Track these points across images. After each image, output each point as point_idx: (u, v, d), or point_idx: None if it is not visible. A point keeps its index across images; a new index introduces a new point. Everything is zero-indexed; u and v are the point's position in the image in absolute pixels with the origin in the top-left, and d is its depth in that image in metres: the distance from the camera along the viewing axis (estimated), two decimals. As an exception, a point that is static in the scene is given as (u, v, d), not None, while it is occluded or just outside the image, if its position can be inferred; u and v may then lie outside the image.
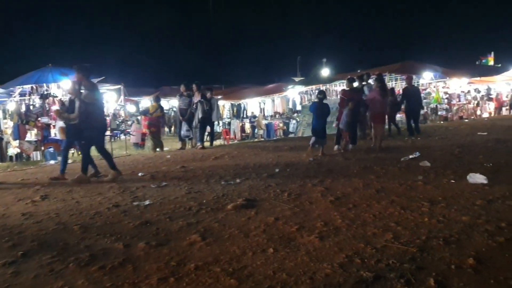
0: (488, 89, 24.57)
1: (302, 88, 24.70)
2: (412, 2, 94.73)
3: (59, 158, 9.17)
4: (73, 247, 3.75)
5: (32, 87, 15.85)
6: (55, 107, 12.71)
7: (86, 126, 7.01)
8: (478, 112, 22.50)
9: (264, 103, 26.72)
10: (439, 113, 20.90)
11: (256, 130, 22.12)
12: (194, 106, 11.38)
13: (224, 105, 25.90)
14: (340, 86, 20.60)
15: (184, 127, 11.74)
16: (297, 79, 32.28)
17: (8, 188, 6.92)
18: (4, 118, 16.49)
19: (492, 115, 22.37)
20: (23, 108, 15.08)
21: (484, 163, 7.04)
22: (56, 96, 15.05)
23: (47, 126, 14.19)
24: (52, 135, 14.07)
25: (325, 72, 36.77)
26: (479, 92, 24.02)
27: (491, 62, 55.23)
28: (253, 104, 26.55)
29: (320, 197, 5.25)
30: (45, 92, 15.27)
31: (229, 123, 22.91)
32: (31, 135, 14.38)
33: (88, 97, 6.88)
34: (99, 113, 7.18)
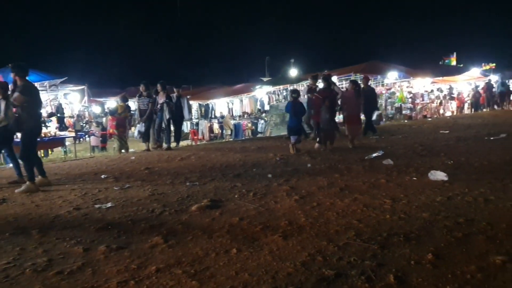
0: (451, 89, 25.28)
1: (270, 88, 24.77)
2: (377, 4, 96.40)
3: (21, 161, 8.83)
4: (31, 252, 3.63)
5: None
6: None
7: (17, 129, 6.75)
8: (441, 111, 23.10)
9: (232, 103, 26.69)
10: (404, 112, 21.34)
11: (224, 130, 22.05)
12: (159, 107, 11.07)
13: (192, 105, 25.72)
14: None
15: (138, 128, 11.39)
16: (265, 79, 32.37)
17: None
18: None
19: (454, 113, 23.00)
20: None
21: (445, 161, 7.22)
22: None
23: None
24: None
25: (293, 72, 37.04)
26: (441, 91, 24.68)
27: (454, 62, 56.88)
28: (221, 104, 26.47)
29: (285, 196, 5.26)
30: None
31: (197, 124, 22.76)
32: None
33: (17, 99, 6.44)
34: (31, 116, 6.62)
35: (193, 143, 17.81)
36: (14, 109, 6.78)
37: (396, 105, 21.56)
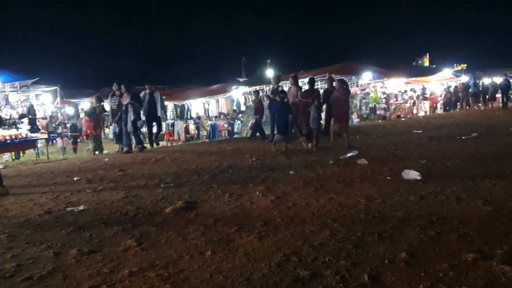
0: (424, 89, 25.72)
1: (246, 89, 24.74)
2: (352, 5, 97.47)
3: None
4: (-2, 258, 3.52)
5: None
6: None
7: None
8: (415, 111, 23.45)
9: (209, 104, 26.56)
10: (378, 112, 21.59)
11: (200, 131, 21.91)
12: (124, 108, 10.72)
13: (167, 106, 25.49)
14: (285, 86, 20.80)
15: (112, 129, 11.12)
16: (241, 80, 32.33)
17: None
18: None
19: (428, 113, 23.40)
20: None
21: (418, 160, 7.33)
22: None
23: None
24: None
25: (269, 72, 37.08)
26: (415, 91, 25.08)
27: (427, 63, 57.96)
28: (197, 105, 26.30)
29: (261, 197, 5.25)
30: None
31: (173, 124, 22.55)
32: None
33: None
34: None
35: (169, 144, 17.65)
36: None
37: (371, 105, 21.80)
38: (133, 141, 11.22)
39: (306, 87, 13.67)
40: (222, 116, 24.78)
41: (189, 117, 25.12)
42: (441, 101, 24.98)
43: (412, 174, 5.91)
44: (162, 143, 13.19)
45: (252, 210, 4.66)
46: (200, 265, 3.15)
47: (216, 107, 25.76)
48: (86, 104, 25.73)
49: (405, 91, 24.74)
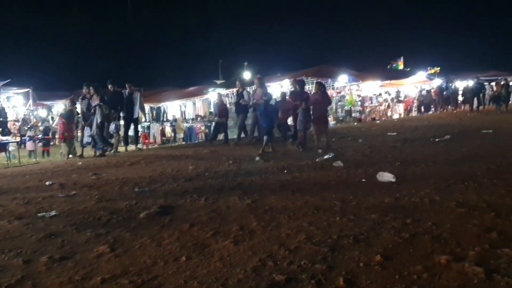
0: (398, 92, 26.12)
1: (224, 91, 24.66)
2: (327, 9, 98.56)
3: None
4: (-36, 267, 3.40)
5: None
6: None
7: None
8: (389, 114, 23.79)
9: (185, 106, 26.37)
10: (353, 114, 21.84)
11: (176, 133, 21.72)
12: (93, 110, 10.55)
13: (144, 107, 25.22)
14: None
15: (86, 132, 10.90)
16: (219, 82, 32.21)
17: None
18: None
19: (402, 116, 23.76)
20: None
21: (393, 162, 7.41)
22: None
23: None
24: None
25: (246, 75, 37.11)
26: (389, 94, 25.43)
27: (401, 66, 58.89)
28: (173, 107, 26.09)
29: (237, 200, 5.22)
30: None
31: (149, 127, 22.30)
32: None
33: None
34: None
35: (144, 147, 17.45)
36: None
37: (346, 108, 22.03)
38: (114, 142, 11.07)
39: (283, 89, 13.76)
40: (199, 119, 24.63)
41: (165, 119, 24.91)
42: (415, 104, 25.39)
43: (386, 177, 5.97)
44: (135, 146, 12.94)
45: (228, 214, 4.63)
46: (174, 271, 3.10)
47: (193, 110, 25.59)
48: (60, 106, 25.25)
49: (380, 94, 25.08)
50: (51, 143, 18.34)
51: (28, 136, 17.21)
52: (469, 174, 6.04)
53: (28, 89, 21.14)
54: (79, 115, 11.82)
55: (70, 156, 11.83)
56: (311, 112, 10.03)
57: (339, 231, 3.80)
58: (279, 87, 21.20)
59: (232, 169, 7.55)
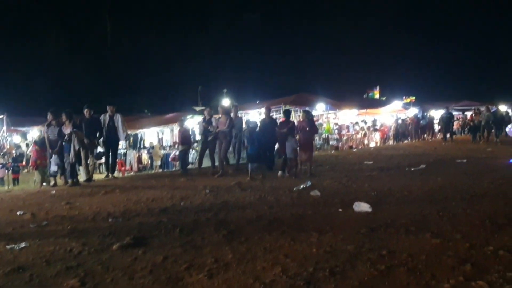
0: (374, 121, 26.51)
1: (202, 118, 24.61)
2: (306, 38, 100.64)
3: None
4: None
5: None
6: None
7: None
8: (366, 142, 24.06)
9: (163, 133, 26.21)
10: (331, 143, 22.00)
11: (153, 161, 21.48)
12: (67, 137, 10.04)
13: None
14: (244, 117, 20.88)
15: (54, 161, 10.28)
16: (198, 109, 32.22)
17: None
18: None
19: (378, 144, 24.06)
20: None
21: (369, 192, 7.46)
22: None
23: None
24: None
25: (226, 102, 37.27)
26: (366, 123, 25.78)
27: (377, 95, 60.17)
28: (151, 134, 25.91)
29: (213, 231, 5.14)
30: None
31: (125, 154, 22.01)
32: None
33: None
34: None
35: (120, 175, 17.19)
36: None
37: (324, 136, 22.21)
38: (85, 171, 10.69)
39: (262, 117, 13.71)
40: (176, 146, 24.45)
41: (142, 146, 24.67)
42: (391, 133, 25.78)
43: (363, 207, 5.99)
44: (111, 174, 12.69)
45: (203, 246, 4.55)
46: (146, 307, 3.01)
47: (171, 136, 25.43)
48: (35, 132, 24.81)
49: (357, 122, 25.42)
50: (25, 170, 17.91)
51: (1, 164, 16.83)
52: (444, 204, 6.11)
53: (2, 116, 20.72)
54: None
55: (44, 184, 11.56)
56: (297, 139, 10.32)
57: (315, 264, 3.77)
58: (258, 115, 21.34)
59: (208, 198, 7.47)
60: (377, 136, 24.98)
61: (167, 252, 4.36)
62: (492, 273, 3.39)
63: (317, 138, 21.43)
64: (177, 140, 15.66)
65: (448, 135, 21.01)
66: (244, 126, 12.90)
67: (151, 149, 22.21)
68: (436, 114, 26.24)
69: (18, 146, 23.48)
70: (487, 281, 3.23)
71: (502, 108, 24.54)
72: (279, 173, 10.32)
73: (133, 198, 7.70)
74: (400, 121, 25.19)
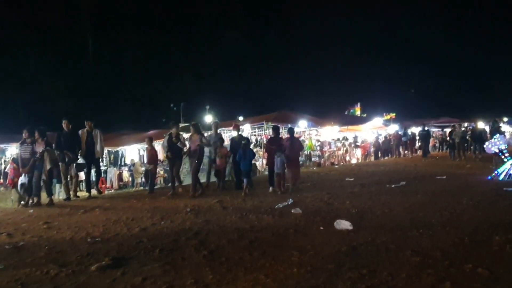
0: (355, 137, 26.78)
1: (184, 135, 24.52)
2: (286, 57, 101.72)
3: None
4: None
5: None
6: None
7: None
8: (347, 158, 24.25)
9: (144, 150, 25.96)
10: (313, 159, 22.13)
11: (134, 178, 21.27)
12: (39, 156, 9.64)
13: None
14: (225, 133, 20.92)
15: (21, 180, 10.02)
16: (180, 126, 32.08)
17: None
18: None
19: (360, 161, 24.26)
20: None
21: (350, 209, 7.49)
22: None
23: None
24: None
25: (208, 118, 37.29)
26: (347, 139, 26.02)
27: (358, 112, 60.90)
28: (132, 151, 25.66)
29: (193, 251, 5.09)
30: None
31: (106, 171, 21.74)
32: None
33: None
34: None
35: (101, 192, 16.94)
36: None
37: (306, 152, 22.31)
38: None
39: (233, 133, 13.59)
40: (158, 163, 24.25)
41: (123, 163, 24.40)
42: (372, 149, 26.04)
43: (343, 224, 6.01)
44: (93, 191, 12.47)
45: (183, 267, 4.49)
46: (123, 332, 2.95)
47: (161, 151, 25.18)
48: (13, 150, 24.38)
49: (338, 139, 25.64)
50: (1, 188, 17.57)
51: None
52: (424, 221, 6.17)
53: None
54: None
55: (22, 202, 11.32)
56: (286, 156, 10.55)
57: (296, 284, 3.76)
58: (240, 131, 21.36)
59: (189, 217, 7.39)
60: (358, 153, 25.21)
61: (146, 273, 4.30)
62: (470, 291, 3.42)
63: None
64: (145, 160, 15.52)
65: (422, 152, 21.42)
66: (226, 143, 12.84)
67: (132, 166, 22.01)
68: (417, 130, 26.65)
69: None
70: (466, 299, 3.25)
71: (481, 125, 25.01)
72: (270, 188, 10.58)
73: (113, 217, 7.59)
74: (381, 138, 25.49)
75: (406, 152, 24.74)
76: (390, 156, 24.45)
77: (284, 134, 19.87)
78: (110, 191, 18.43)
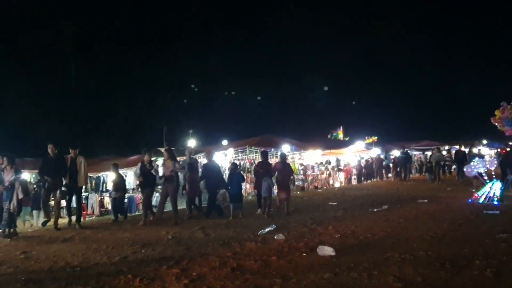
0: (338, 161, 26.92)
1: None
2: (269, 81, 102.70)
3: None
4: None
5: None
6: None
7: None
8: (331, 182, 24.33)
9: (126, 176, 25.70)
10: (296, 183, 22.12)
11: (116, 204, 20.95)
12: (8, 185, 8.90)
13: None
14: (203, 159, 20.81)
15: None
16: (163, 150, 31.90)
17: None
18: None
19: (343, 184, 24.36)
20: None
21: (333, 234, 7.49)
22: None
23: None
24: None
25: (191, 143, 37.19)
26: (330, 163, 26.15)
27: (341, 135, 61.42)
28: (113, 177, 25.35)
29: (174, 280, 5.02)
30: None
31: (87, 197, 21.40)
32: None
33: None
34: None
35: (82, 220, 16.64)
36: None
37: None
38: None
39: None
40: (140, 188, 23.97)
41: (104, 189, 24.08)
42: (355, 173, 26.20)
43: (326, 250, 6.00)
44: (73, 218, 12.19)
45: (164, 296, 4.42)
46: None
47: (134, 179, 24.96)
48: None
49: (321, 163, 25.74)
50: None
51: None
52: (406, 246, 6.20)
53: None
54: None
55: (-1, 231, 11.03)
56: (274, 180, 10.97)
57: (278, 313, 3.72)
58: (223, 156, 21.35)
59: (171, 245, 7.30)
60: (341, 176, 25.33)
61: (125, 304, 4.21)
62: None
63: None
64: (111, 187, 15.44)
65: (403, 175, 21.64)
66: (200, 169, 12.70)
67: (113, 193, 21.69)
68: (398, 154, 26.94)
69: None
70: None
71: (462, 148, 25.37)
72: (258, 210, 10.96)
73: (93, 245, 7.45)
74: (364, 162, 25.70)
75: (389, 175, 24.96)
76: (372, 179, 24.60)
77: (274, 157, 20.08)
78: (91, 218, 18.14)
